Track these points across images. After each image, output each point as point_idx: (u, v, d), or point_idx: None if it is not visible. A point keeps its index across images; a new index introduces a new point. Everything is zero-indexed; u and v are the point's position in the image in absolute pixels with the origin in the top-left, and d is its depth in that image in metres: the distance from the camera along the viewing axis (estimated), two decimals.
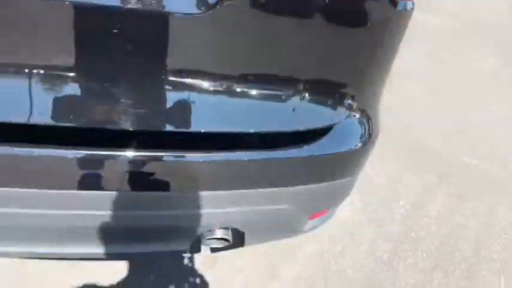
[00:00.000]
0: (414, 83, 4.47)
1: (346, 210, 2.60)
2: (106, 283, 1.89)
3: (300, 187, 1.33)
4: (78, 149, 1.05)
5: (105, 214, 1.18)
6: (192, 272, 2.03)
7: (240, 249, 2.13)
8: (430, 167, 3.20)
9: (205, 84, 1.09)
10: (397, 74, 4.37)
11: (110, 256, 1.36)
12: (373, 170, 3.00)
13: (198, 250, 1.44)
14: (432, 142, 3.53)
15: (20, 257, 1.38)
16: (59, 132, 1.06)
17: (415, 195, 2.88)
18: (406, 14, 1.27)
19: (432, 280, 2.29)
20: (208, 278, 2.01)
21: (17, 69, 1.01)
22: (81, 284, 1.86)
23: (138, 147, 1.10)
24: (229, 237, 1.37)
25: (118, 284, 1.90)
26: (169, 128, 1.15)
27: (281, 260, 2.19)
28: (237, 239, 1.42)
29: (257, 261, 2.15)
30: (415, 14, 1.33)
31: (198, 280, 2.00)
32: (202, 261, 2.08)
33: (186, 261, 2.07)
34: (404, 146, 3.39)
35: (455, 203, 2.88)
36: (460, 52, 5.67)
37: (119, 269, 1.95)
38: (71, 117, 1.05)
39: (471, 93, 4.56)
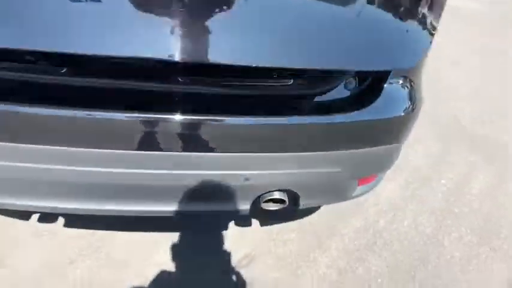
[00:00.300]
0: (458, 69, 4.46)
1: (389, 187, 2.68)
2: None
3: (352, 151, 1.44)
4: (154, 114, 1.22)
5: (177, 173, 1.33)
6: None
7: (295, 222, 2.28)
8: (473, 148, 3.20)
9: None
10: (441, 60, 4.37)
11: (177, 214, 1.51)
12: (416, 151, 3.05)
13: (256, 211, 1.57)
14: (476, 125, 3.53)
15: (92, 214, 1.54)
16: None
17: (457, 174, 2.91)
18: None
19: (479, 254, 2.33)
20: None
21: None
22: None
23: (210, 112, 1.25)
24: (286, 199, 1.50)
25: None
26: (236, 91, 1.30)
27: (328, 235, 2.29)
28: (292, 202, 1.55)
29: (304, 236, 2.26)
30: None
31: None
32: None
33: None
34: (447, 128, 3.41)
35: (497, 183, 2.89)
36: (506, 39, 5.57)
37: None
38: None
39: None
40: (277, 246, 2.19)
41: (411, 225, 2.43)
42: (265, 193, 1.48)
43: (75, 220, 2.10)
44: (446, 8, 1.86)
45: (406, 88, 1.46)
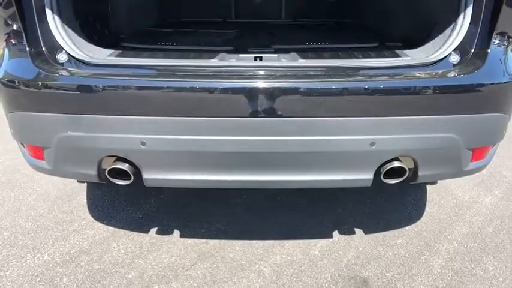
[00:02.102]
0: None
1: (488, 200, 2.63)
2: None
3: (463, 116, 1.55)
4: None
5: (294, 139, 1.49)
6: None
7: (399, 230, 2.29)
8: None
9: None
10: None
11: (307, 183, 1.64)
12: (506, 166, 3.01)
13: (377, 182, 1.65)
14: None
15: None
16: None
17: None
18: None
19: None
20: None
21: None
22: None
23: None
24: (407, 168, 1.59)
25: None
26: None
27: (435, 239, 2.26)
28: (412, 172, 1.63)
29: (411, 241, 2.25)
30: None
31: None
32: None
33: None
34: None
35: None
36: None
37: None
38: None
39: None
40: (386, 250, 2.18)
41: None
42: (386, 162, 1.58)
43: (189, 232, 2.27)
44: None
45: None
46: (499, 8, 1.55)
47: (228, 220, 2.40)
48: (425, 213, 2.49)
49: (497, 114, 1.62)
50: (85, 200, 2.58)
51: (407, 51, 1.75)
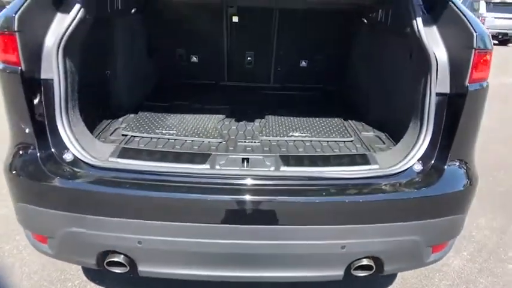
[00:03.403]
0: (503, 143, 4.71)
1: (456, 262, 2.84)
2: None
3: (425, 221, 1.76)
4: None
5: (272, 244, 1.70)
6: None
7: None
8: None
9: None
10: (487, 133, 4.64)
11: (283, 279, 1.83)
12: (476, 225, 3.23)
13: (348, 277, 1.86)
14: None
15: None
16: None
17: None
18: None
19: None
20: None
21: None
22: None
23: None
24: (374, 265, 1.80)
25: None
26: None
27: None
28: (378, 268, 1.84)
29: None
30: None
31: None
32: None
33: None
34: (503, 200, 3.59)
35: None
36: None
37: None
38: None
39: None
40: None
41: None
42: (355, 260, 1.79)
43: None
44: None
45: (463, 168, 1.83)
46: (455, 126, 1.78)
47: None
48: (398, 277, 2.69)
49: (456, 215, 1.84)
50: None
51: (377, 156, 1.96)
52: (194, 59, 3.48)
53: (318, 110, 2.86)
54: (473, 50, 1.69)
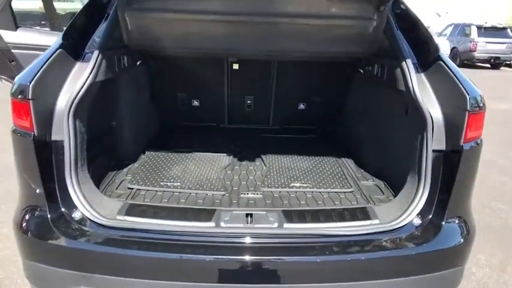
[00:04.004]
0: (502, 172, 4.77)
1: None
2: None
3: (426, 275, 1.82)
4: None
5: None
6: None
7: None
8: None
9: None
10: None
11: None
12: (475, 262, 3.26)
13: None
14: None
15: None
16: None
17: None
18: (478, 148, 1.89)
19: None
20: None
21: None
22: None
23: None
24: None
25: None
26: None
27: None
28: None
29: None
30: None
31: None
32: None
33: None
34: (502, 234, 3.62)
35: None
36: None
37: None
38: None
39: None
40: None
41: None
42: None
43: None
44: None
45: (460, 223, 1.89)
46: (452, 181, 1.85)
47: None
48: None
49: (456, 268, 1.90)
50: None
51: (377, 210, 2.02)
52: (196, 103, 3.58)
53: (317, 155, 2.93)
54: (467, 112, 1.77)
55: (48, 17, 5.54)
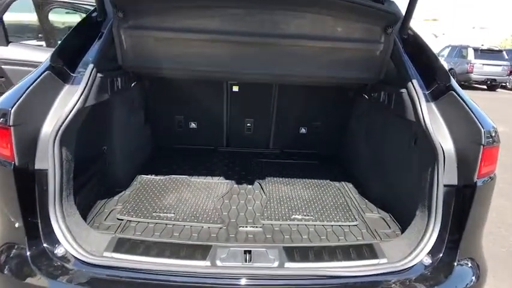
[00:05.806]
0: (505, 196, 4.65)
1: None
2: None
3: None
4: None
5: None
6: None
7: None
8: None
9: None
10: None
11: None
12: None
13: None
14: None
15: None
16: None
17: None
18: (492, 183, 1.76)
19: None
20: None
21: None
22: None
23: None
24: None
25: None
26: None
27: None
28: None
29: None
30: None
31: None
32: None
33: None
34: (506, 262, 3.48)
35: None
36: None
37: None
38: None
39: None
40: None
41: None
42: None
43: None
44: None
45: (471, 265, 1.76)
46: (465, 219, 1.72)
47: None
48: None
49: None
50: None
51: (384, 247, 1.87)
52: (193, 125, 3.45)
53: (319, 183, 2.80)
54: (481, 147, 1.66)
55: (43, 33, 5.43)
